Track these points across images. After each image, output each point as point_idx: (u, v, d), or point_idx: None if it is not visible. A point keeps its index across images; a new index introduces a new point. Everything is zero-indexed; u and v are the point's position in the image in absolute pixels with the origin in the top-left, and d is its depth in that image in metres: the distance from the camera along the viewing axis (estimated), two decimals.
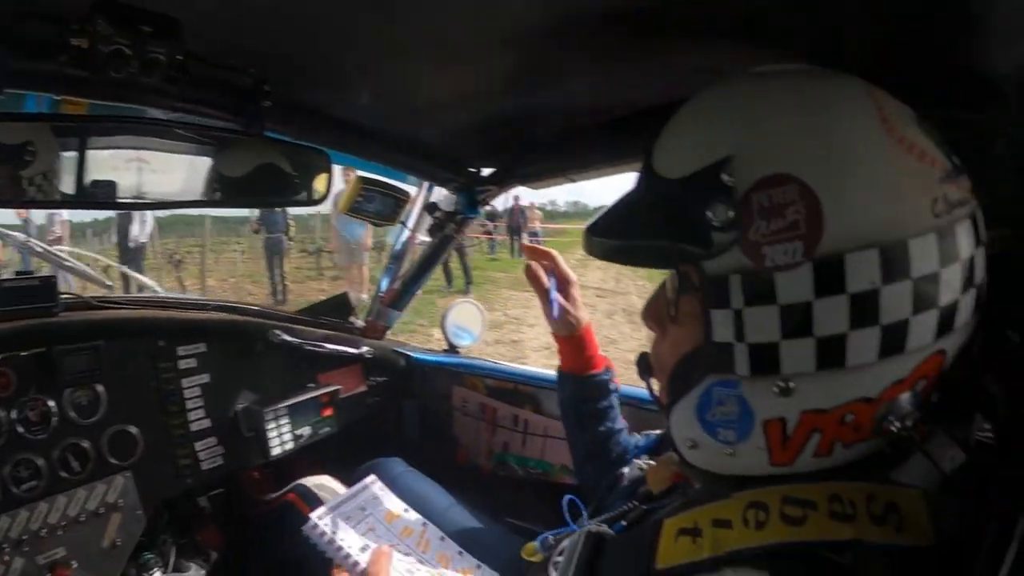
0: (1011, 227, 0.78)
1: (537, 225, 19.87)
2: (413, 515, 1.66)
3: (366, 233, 10.37)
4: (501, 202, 16.94)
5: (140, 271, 9.53)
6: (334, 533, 1.48)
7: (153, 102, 1.10)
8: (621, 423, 1.49)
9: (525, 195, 18.63)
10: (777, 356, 0.68)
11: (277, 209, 10.77)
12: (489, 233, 19.91)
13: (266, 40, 1.03)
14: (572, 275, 1.51)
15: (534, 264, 1.49)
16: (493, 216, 17.99)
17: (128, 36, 0.90)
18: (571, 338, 1.49)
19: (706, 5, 0.85)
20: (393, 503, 1.67)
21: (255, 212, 11.60)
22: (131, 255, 10.55)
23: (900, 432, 0.67)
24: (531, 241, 18.04)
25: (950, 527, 0.67)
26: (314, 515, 1.51)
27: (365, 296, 9.17)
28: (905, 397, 0.68)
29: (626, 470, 1.24)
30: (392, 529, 1.60)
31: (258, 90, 1.16)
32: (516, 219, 18.52)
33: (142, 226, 10.76)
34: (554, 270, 1.48)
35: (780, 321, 0.67)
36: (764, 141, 0.68)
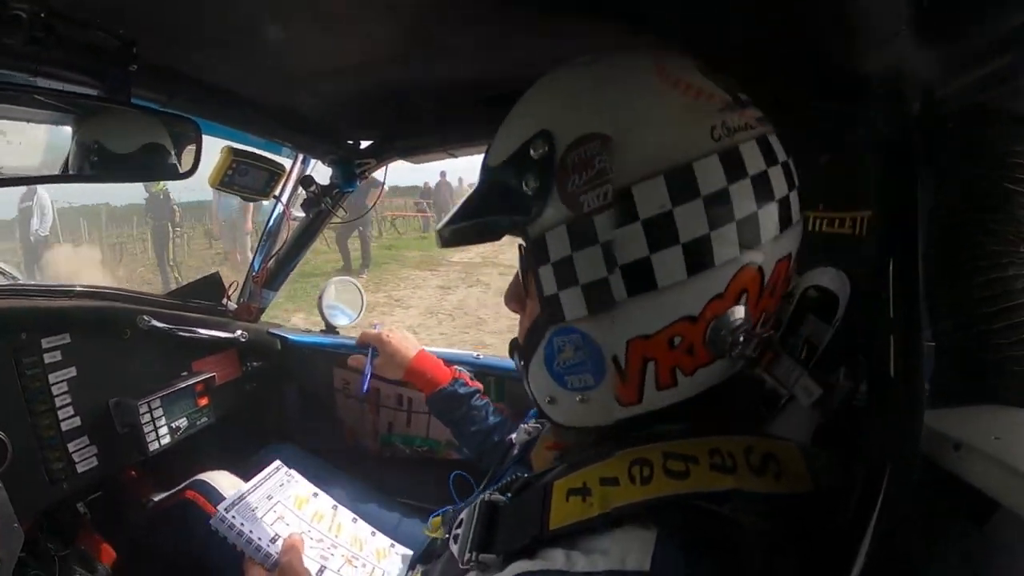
0: (872, 209, 0.87)
1: None
2: (323, 499, 1.69)
3: (245, 215, 10.64)
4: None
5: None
6: (242, 525, 1.48)
7: (11, 65, 1.02)
8: (496, 417, 1.63)
9: (453, 171, 18.47)
10: (608, 289, 0.76)
11: (161, 196, 11.36)
12: (424, 211, 20.07)
13: None
14: (385, 332, 1.73)
15: (352, 358, 1.81)
16: (427, 194, 18.53)
17: None
18: (407, 373, 1.68)
19: None
20: (301, 488, 1.70)
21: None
22: (34, 250, 10.80)
23: (734, 348, 0.76)
24: None
25: (826, 476, 0.76)
26: (220, 507, 1.52)
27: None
28: (732, 312, 0.76)
29: (514, 436, 1.33)
30: (302, 515, 1.62)
31: (125, 53, 1.11)
32: (443, 195, 18.20)
33: (42, 219, 10.84)
34: (367, 342, 1.74)
35: (603, 257, 0.75)
36: (571, 111, 0.79)
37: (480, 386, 1.69)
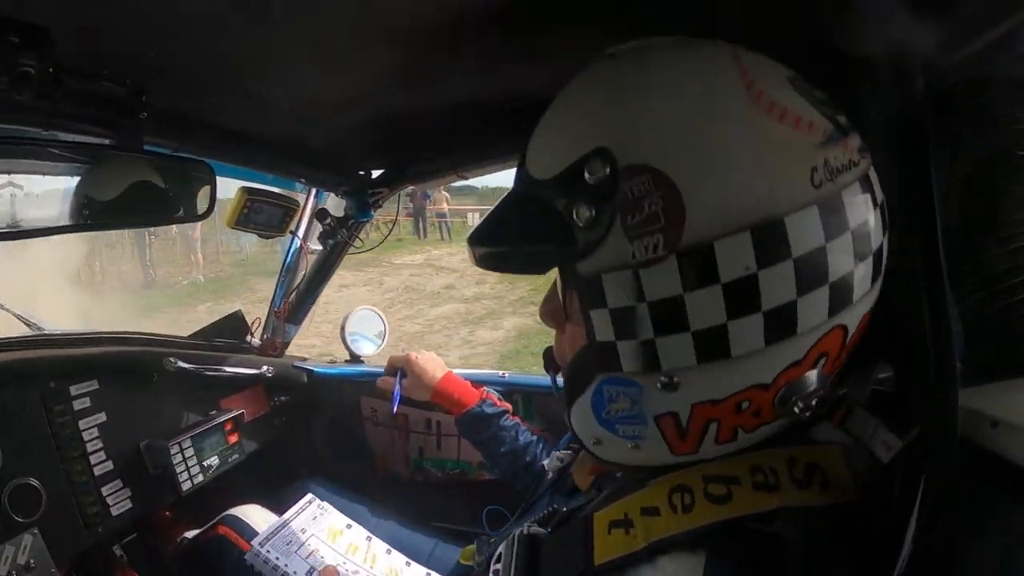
0: (887, 193, 0.85)
1: (445, 207, 19.46)
2: (357, 530, 1.70)
3: (194, 227, 13.30)
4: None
5: None
6: (277, 559, 1.49)
7: (23, 120, 1.03)
8: (526, 436, 1.60)
9: None
10: (655, 352, 0.67)
11: None
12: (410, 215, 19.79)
13: (138, 46, 1.00)
14: (412, 355, 1.72)
15: (380, 381, 1.79)
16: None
17: None
18: (435, 394, 1.67)
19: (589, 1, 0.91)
20: (335, 520, 1.71)
21: None
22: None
23: (805, 411, 0.69)
24: (439, 223, 18.73)
25: (869, 477, 0.73)
26: (255, 542, 1.53)
27: (201, 278, 13.87)
28: (807, 377, 0.68)
29: (546, 462, 1.29)
30: (337, 547, 1.62)
31: (134, 101, 1.11)
32: (418, 201, 18.30)
33: None
34: (395, 364, 1.74)
35: (651, 317, 0.65)
36: (626, 130, 0.67)
37: (509, 406, 1.68)
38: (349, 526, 1.69)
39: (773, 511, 0.70)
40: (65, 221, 1.18)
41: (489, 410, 1.63)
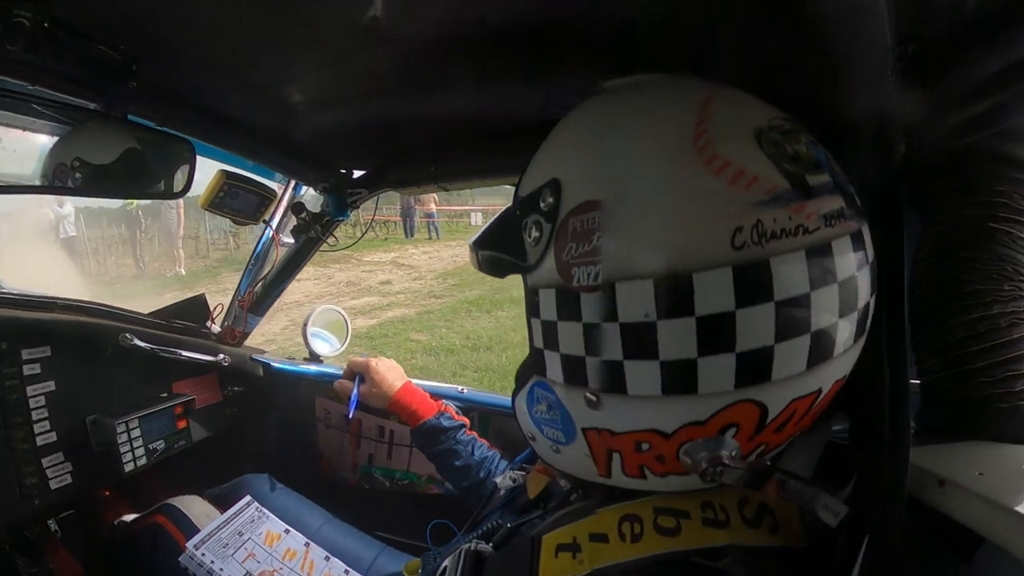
0: None
1: (433, 207, 19.13)
2: (295, 536, 1.66)
3: (179, 225, 14.45)
4: None
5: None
6: (212, 563, 1.46)
7: (11, 71, 1.01)
8: (481, 452, 1.60)
9: None
10: (583, 369, 0.70)
11: (133, 212, 14.89)
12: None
13: (136, 14, 0.99)
14: (372, 361, 1.72)
15: (337, 383, 1.77)
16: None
17: None
18: (392, 404, 1.66)
19: (586, 28, 0.93)
20: (273, 524, 1.67)
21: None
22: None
23: (713, 476, 0.68)
24: (427, 223, 18.70)
25: (819, 526, 0.71)
26: (190, 544, 1.50)
27: (183, 271, 14.16)
28: (715, 441, 0.68)
29: (498, 479, 1.29)
30: (274, 553, 1.59)
31: (125, 68, 1.11)
32: (406, 201, 18.13)
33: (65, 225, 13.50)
34: (354, 369, 1.73)
35: (584, 338, 0.69)
36: (584, 165, 0.72)
37: (466, 421, 1.67)
38: (287, 531, 1.66)
39: (721, 547, 0.70)
40: (38, 181, 1.16)
41: (446, 423, 1.62)
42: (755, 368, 0.64)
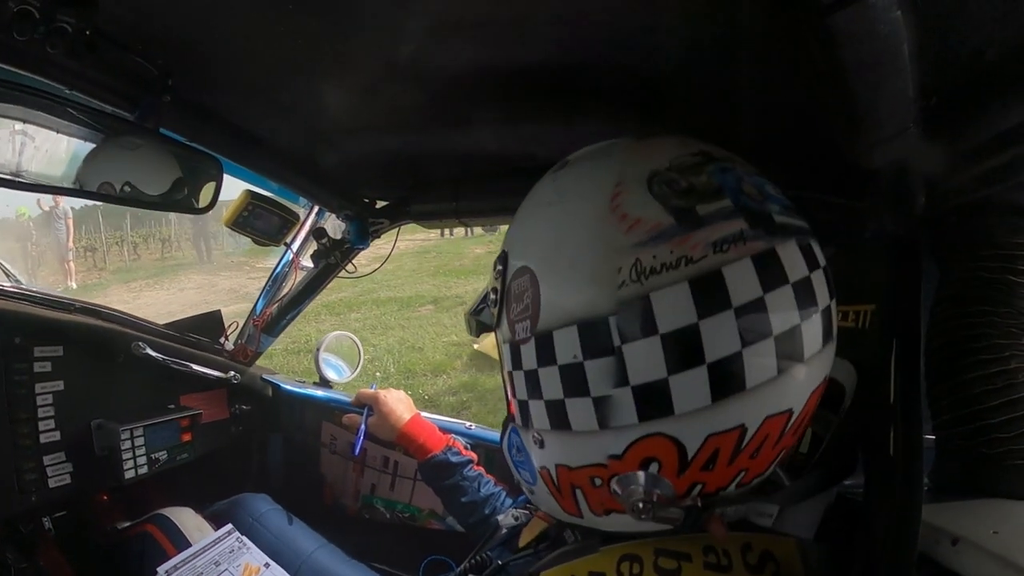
0: (876, 303, 0.86)
1: None
2: (275, 570, 1.62)
3: (67, 238, 14.58)
4: None
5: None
6: None
7: (50, 74, 1.03)
8: (488, 488, 1.58)
9: None
10: (528, 412, 0.79)
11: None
12: None
13: (176, 29, 1.01)
14: (381, 393, 1.74)
15: (346, 417, 1.85)
16: None
17: None
18: (400, 436, 1.66)
19: (610, 77, 0.94)
20: (253, 557, 1.63)
21: None
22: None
23: (641, 515, 0.70)
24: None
25: (822, 573, 0.73)
26: (162, 569, 1.47)
27: (74, 285, 14.15)
28: (635, 476, 0.71)
29: (500, 517, 1.29)
30: None
31: (160, 82, 1.11)
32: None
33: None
34: (363, 401, 1.77)
35: (526, 384, 0.77)
36: (520, 237, 0.82)
37: (474, 456, 1.66)
38: (267, 565, 1.61)
39: None
40: (68, 184, 1.18)
41: (454, 458, 1.61)
42: (653, 401, 0.67)
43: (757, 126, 0.94)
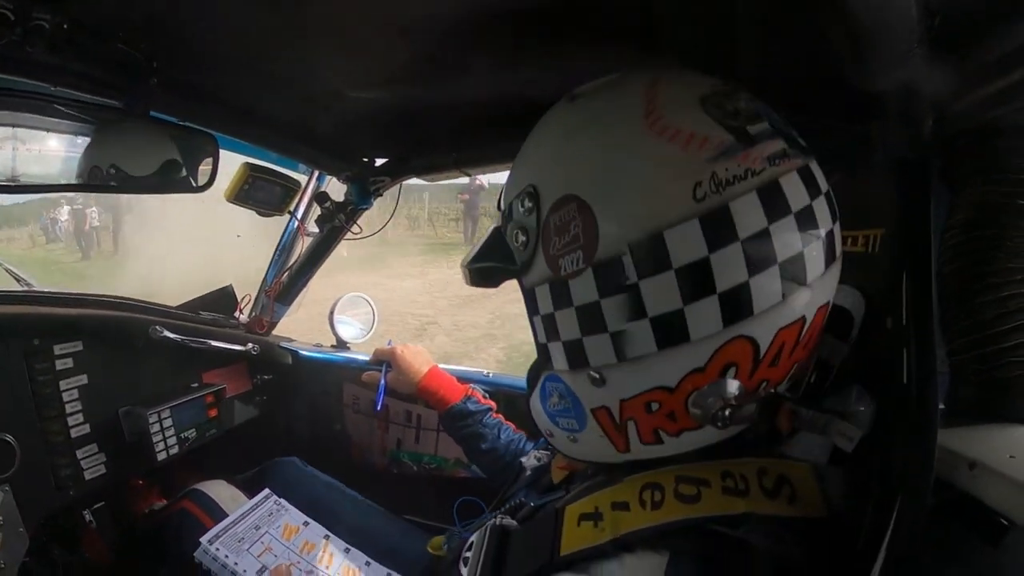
0: (886, 227, 0.85)
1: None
2: (314, 528, 1.66)
3: None
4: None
5: None
6: (227, 557, 1.46)
7: (33, 74, 1.02)
8: (508, 434, 1.61)
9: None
10: (583, 351, 0.76)
11: None
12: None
13: (155, 13, 0.99)
14: (398, 348, 1.73)
15: (366, 375, 1.84)
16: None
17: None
18: (420, 390, 1.67)
19: (606, 11, 0.91)
20: (292, 516, 1.66)
21: None
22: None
23: (723, 421, 0.72)
24: None
25: (838, 498, 0.75)
26: (204, 539, 1.49)
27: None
28: (718, 385, 0.72)
29: (524, 459, 1.32)
30: (291, 546, 1.58)
31: (145, 66, 1.10)
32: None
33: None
34: (381, 357, 1.75)
35: (578, 321, 0.75)
36: (553, 167, 0.78)
37: (493, 404, 1.68)
38: (306, 523, 1.65)
39: (740, 515, 0.72)
40: (68, 180, 1.17)
41: (473, 407, 1.63)
42: (738, 305, 0.69)
43: (761, 54, 0.92)
